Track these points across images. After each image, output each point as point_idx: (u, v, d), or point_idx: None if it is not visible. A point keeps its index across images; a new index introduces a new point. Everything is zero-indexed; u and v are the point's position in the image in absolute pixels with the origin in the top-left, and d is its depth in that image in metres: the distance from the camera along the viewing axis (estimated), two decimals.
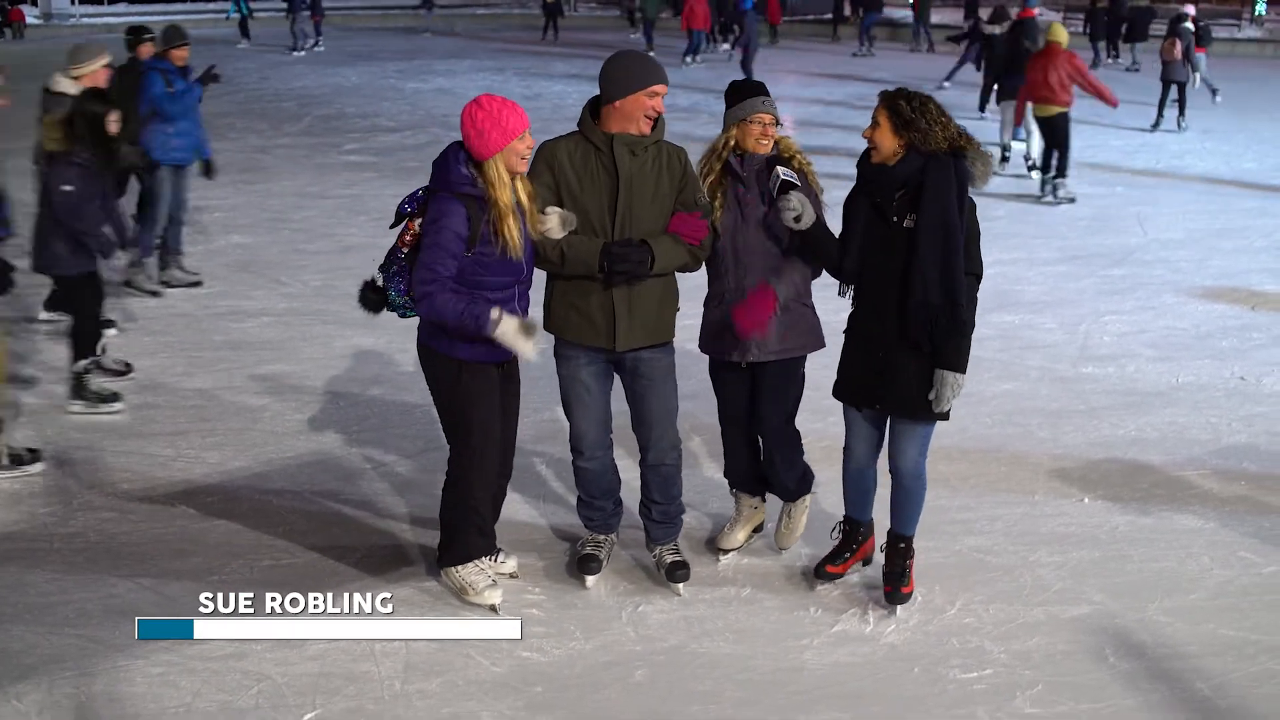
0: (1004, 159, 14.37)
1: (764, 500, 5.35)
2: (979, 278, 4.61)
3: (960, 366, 4.55)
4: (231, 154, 15.55)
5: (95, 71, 7.70)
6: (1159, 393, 7.37)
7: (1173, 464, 6.30)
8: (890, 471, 4.83)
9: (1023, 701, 4.27)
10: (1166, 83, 17.98)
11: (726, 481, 5.37)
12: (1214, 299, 9.43)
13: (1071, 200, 12.86)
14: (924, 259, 4.43)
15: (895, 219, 4.53)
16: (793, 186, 4.63)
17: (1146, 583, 5.07)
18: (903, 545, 4.88)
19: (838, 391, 4.85)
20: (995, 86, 15.35)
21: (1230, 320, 8.88)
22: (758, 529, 5.38)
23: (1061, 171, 12.89)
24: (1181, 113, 18.25)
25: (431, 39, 32.98)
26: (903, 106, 4.47)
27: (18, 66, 25.65)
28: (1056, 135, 12.74)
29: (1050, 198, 12.89)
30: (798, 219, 4.57)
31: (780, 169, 4.67)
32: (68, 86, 7.33)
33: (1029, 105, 12.93)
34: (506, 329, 4.38)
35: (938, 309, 4.45)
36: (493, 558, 4.98)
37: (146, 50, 9.31)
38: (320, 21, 29.59)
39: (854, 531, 5.04)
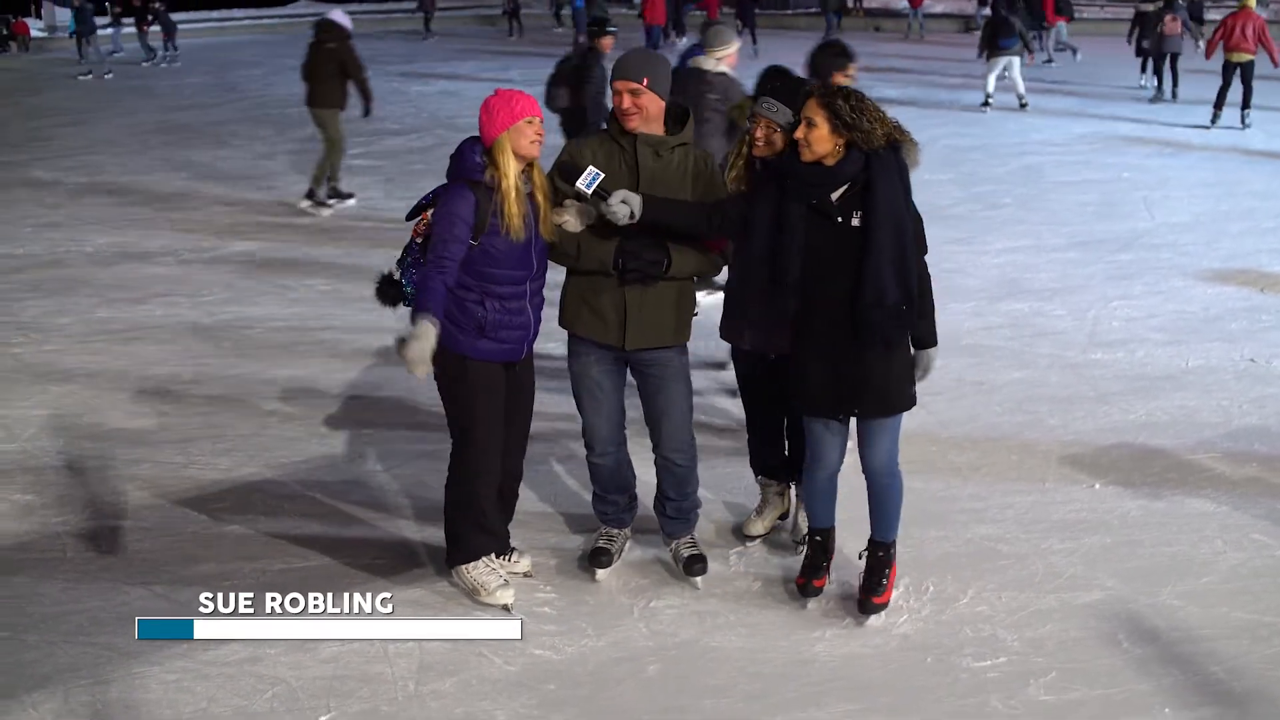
0: (986, 104, 18.67)
1: (789, 486, 5.36)
2: (925, 249, 4.56)
3: (935, 342, 4.57)
4: (236, 160, 15.63)
5: (732, 54, 8.03)
6: (1169, 377, 7.34)
7: (1183, 448, 6.28)
8: (865, 473, 4.69)
9: (1036, 689, 4.26)
10: (1160, 56, 19.36)
11: (751, 470, 5.40)
12: (1223, 281, 9.40)
13: (1249, 126, 16.64)
14: (878, 258, 4.30)
15: (840, 219, 4.37)
16: (603, 192, 4.43)
17: (1159, 567, 5.06)
18: (881, 554, 4.75)
19: (804, 405, 4.66)
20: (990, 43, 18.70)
21: (1239, 302, 8.85)
22: (784, 516, 5.40)
23: (1247, 104, 16.86)
24: (1175, 83, 19.40)
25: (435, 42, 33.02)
26: (842, 107, 4.29)
27: (23, 79, 25.75)
28: (1246, 75, 16.65)
29: (1239, 125, 16.71)
30: (631, 216, 4.42)
31: (579, 183, 4.45)
32: (712, 66, 7.83)
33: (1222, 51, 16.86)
34: (416, 335, 4.27)
35: (898, 307, 4.34)
36: (506, 556, 4.99)
37: (608, 43, 10.28)
38: (171, 38, 28.84)
39: (826, 540, 4.88)
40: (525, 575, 5.02)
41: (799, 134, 4.36)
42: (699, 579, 4.99)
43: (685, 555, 5.03)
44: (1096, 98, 20.22)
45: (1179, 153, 15.23)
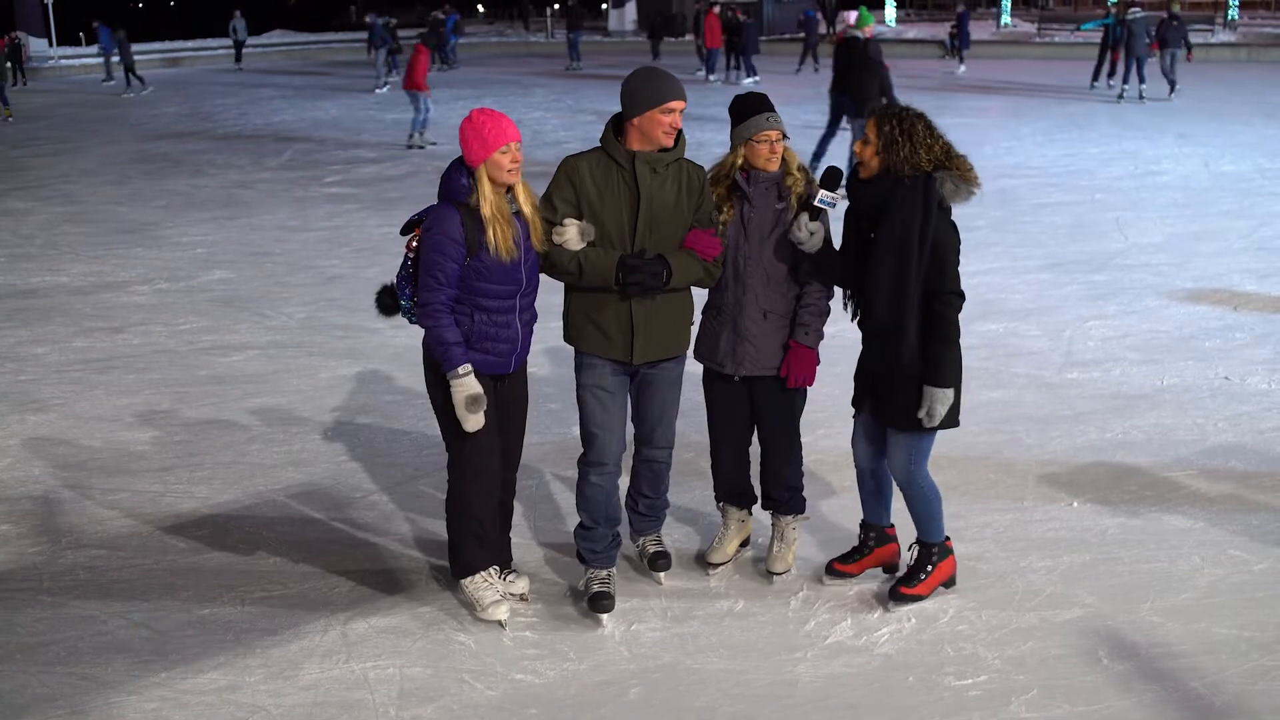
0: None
1: (751, 514, 5.35)
2: (959, 295, 4.67)
3: (943, 381, 4.61)
4: (212, 189, 15.62)
5: None
6: (1144, 395, 7.39)
7: (1160, 465, 6.32)
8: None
9: (1018, 706, 4.27)
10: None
11: (714, 495, 5.37)
12: (1196, 301, 9.48)
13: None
14: (874, 280, 4.55)
15: (871, 235, 4.61)
16: (819, 213, 4.71)
17: (1138, 584, 5.08)
18: (922, 551, 4.97)
19: (854, 398, 5.00)
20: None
21: (1213, 321, 8.93)
22: (745, 542, 5.38)
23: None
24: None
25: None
26: (888, 127, 4.52)
27: None
28: None
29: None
30: (800, 244, 4.71)
31: (822, 193, 4.70)
32: None
33: None
34: (461, 388, 4.51)
35: (885, 330, 4.57)
36: (502, 575, 4.98)
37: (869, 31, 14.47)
38: None
39: (865, 534, 5.12)
40: (521, 598, 5.00)
41: (857, 148, 4.67)
42: (662, 574, 5.15)
43: (651, 551, 5.19)
44: (1067, 123, 20.41)
45: (1150, 175, 15.37)
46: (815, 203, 4.70)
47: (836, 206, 4.72)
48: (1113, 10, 27.43)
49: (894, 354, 4.60)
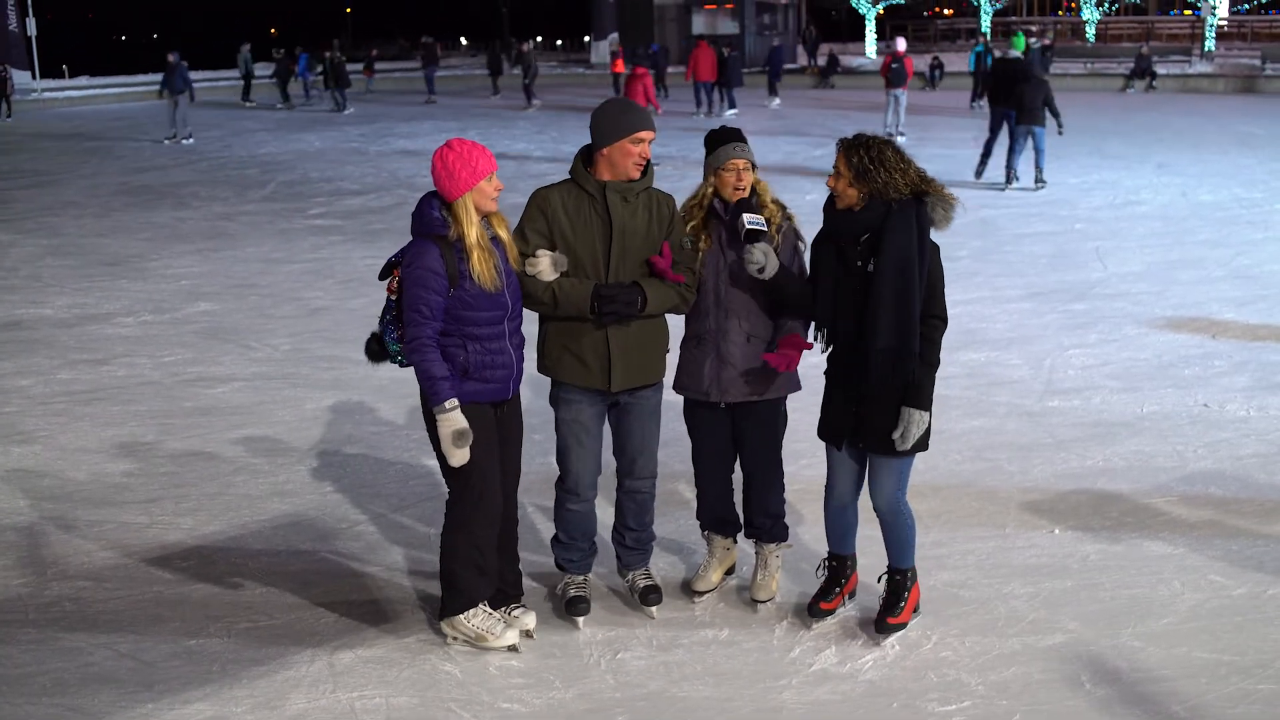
0: None
1: (735, 542, 5.39)
2: (944, 320, 4.73)
3: (923, 404, 4.64)
4: (196, 221, 15.63)
5: None
6: (1124, 423, 7.46)
7: (1140, 492, 6.38)
8: (873, 509, 4.91)
9: None
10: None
11: (699, 524, 5.41)
12: (1175, 329, 9.57)
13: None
14: (880, 304, 4.56)
15: (860, 264, 4.64)
16: (759, 235, 4.73)
17: (1119, 609, 5.13)
18: (898, 577, 4.97)
19: (820, 431, 4.94)
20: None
21: (1192, 349, 9.01)
22: (730, 570, 5.42)
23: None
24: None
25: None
26: (858, 158, 4.57)
27: None
28: None
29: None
30: (760, 270, 4.70)
31: (746, 216, 4.74)
32: None
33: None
34: (448, 422, 4.51)
35: (892, 353, 4.56)
36: (508, 609, 4.98)
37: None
38: None
39: (840, 566, 5.12)
40: (527, 634, 4.98)
41: (829, 182, 4.68)
42: (654, 609, 5.14)
43: (641, 586, 5.19)
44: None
45: (1129, 204, 15.51)
46: (748, 227, 4.72)
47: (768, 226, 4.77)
48: (982, 39, 30.72)
49: (898, 376, 4.60)
